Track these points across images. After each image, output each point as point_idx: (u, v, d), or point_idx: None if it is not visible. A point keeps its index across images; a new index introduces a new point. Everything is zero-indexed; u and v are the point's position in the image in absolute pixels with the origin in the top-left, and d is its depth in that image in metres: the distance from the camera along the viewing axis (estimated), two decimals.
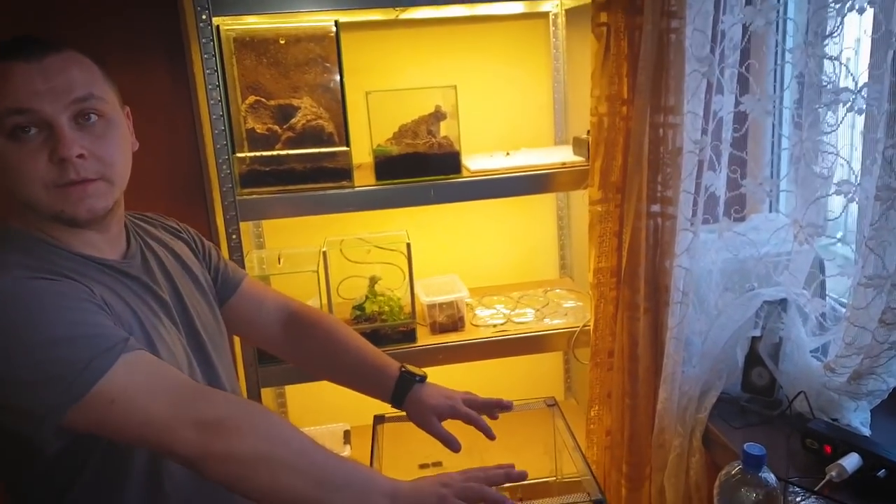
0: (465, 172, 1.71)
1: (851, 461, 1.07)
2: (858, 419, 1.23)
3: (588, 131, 1.63)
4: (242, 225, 1.59)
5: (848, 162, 1.19)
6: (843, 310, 1.25)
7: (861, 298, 1.11)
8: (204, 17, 1.45)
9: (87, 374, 0.83)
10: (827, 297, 1.37)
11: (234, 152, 1.57)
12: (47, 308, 0.85)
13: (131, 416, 0.85)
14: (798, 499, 1.07)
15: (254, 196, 1.60)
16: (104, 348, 0.85)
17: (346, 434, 1.98)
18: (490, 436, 1.25)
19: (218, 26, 1.50)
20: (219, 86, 1.50)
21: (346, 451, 1.89)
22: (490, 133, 2.07)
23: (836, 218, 1.25)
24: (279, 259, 1.88)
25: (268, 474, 0.86)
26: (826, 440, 1.14)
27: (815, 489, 1.07)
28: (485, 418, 1.27)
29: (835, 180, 1.20)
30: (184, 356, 1.03)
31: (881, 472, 1.05)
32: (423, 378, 1.26)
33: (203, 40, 1.47)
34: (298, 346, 1.30)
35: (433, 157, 1.68)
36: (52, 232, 0.95)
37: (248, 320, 1.28)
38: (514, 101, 2.10)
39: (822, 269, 1.36)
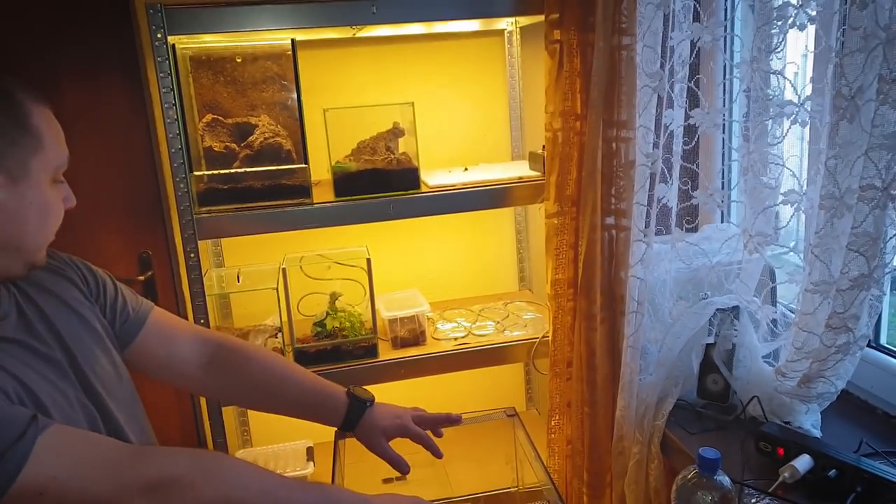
0: (423, 188, 1.73)
1: (803, 462, 1.11)
2: (809, 421, 1.26)
3: (543, 146, 1.66)
4: (201, 243, 1.58)
5: (794, 173, 1.24)
6: (793, 315, 1.29)
7: (809, 304, 1.15)
8: (159, 35, 1.44)
9: (1, 471, 0.73)
10: (778, 304, 1.42)
11: (191, 171, 1.55)
12: None
13: (68, 502, 0.76)
14: (753, 500, 1.10)
15: (212, 214, 1.59)
16: (14, 436, 0.75)
17: (309, 451, 1.96)
18: (437, 455, 1.24)
19: (174, 45, 1.49)
20: (175, 104, 1.49)
21: (310, 468, 1.88)
22: (448, 149, 2.09)
23: (785, 227, 1.29)
24: (238, 277, 1.87)
25: None
26: (779, 443, 1.17)
27: (769, 490, 1.10)
28: (442, 431, 1.27)
29: (782, 190, 1.24)
30: (82, 417, 0.94)
31: (832, 472, 1.08)
32: (372, 401, 1.23)
33: (158, 59, 1.46)
34: (227, 381, 1.19)
35: (392, 173, 1.69)
36: None
37: (159, 360, 1.14)
38: (471, 118, 2.13)
39: (772, 277, 1.40)
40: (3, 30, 1.74)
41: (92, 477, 0.78)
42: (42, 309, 0.95)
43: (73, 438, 0.82)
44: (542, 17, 1.58)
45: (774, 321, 1.34)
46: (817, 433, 1.24)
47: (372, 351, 1.78)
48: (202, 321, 1.60)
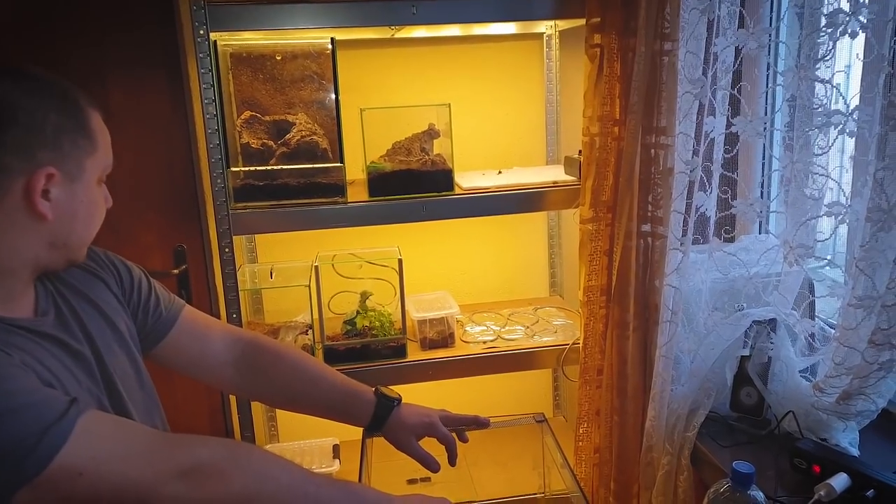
0: (457, 190, 1.73)
1: (840, 481, 1.08)
2: (847, 439, 1.23)
3: (580, 151, 1.65)
4: (235, 239, 1.59)
5: (838, 184, 1.21)
6: (833, 330, 1.26)
7: (851, 319, 1.12)
8: (202, 32, 1.46)
9: (43, 447, 0.74)
10: (817, 318, 1.39)
11: (228, 166, 1.57)
12: None
13: (104, 484, 0.77)
14: None
15: (247, 210, 1.60)
16: (56, 415, 0.76)
17: (336, 448, 1.97)
18: (451, 463, 1.24)
19: (215, 41, 1.51)
20: (215, 100, 1.51)
21: (335, 466, 1.88)
22: (483, 151, 2.08)
23: (826, 240, 1.26)
24: (271, 273, 1.88)
25: None
26: (815, 460, 1.14)
27: None
28: (467, 436, 1.28)
29: (825, 202, 1.22)
30: None
31: (870, 493, 1.05)
32: (399, 400, 1.24)
33: (200, 55, 1.48)
34: (258, 381, 1.20)
35: (426, 175, 1.69)
36: None
37: (190, 357, 1.16)
38: (506, 121, 2.12)
39: (811, 290, 1.37)
40: (51, 29, 1.78)
41: (128, 460, 0.79)
42: (75, 309, 0.98)
43: (110, 423, 0.84)
44: (582, 21, 1.56)
45: (813, 335, 1.31)
46: (855, 451, 1.21)
47: (400, 351, 1.78)
48: (234, 316, 1.62)
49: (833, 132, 1.17)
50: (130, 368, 1.03)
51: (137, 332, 1.08)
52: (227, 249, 1.58)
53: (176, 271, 1.95)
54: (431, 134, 1.77)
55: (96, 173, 0.93)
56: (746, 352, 1.36)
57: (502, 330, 1.92)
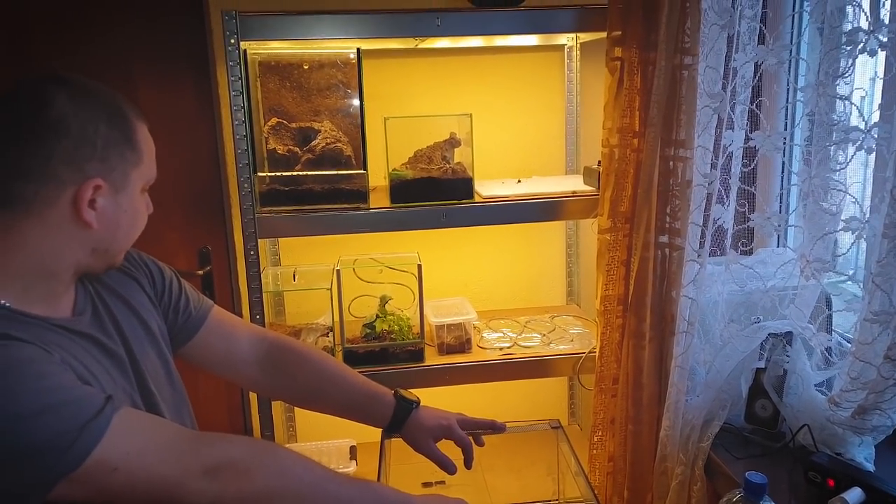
0: (477, 198, 1.75)
1: (854, 495, 1.08)
2: (862, 454, 1.24)
3: (599, 162, 1.67)
4: (259, 242, 1.63)
5: (856, 200, 1.22)
6: (849, 345, 1.27)
7: (867, 334, 1.13)
8: (233, 40, 1.50)
9: (81, 443, 0.77)
10: (833, 332, 1.39)
11: (255, 171, 1.61)
12: (19, 376, 0.77)
13: (136, 479, 0.80)
14: None
15: (272, 214, 1.64)
16: (93, 412, 0.79)
17: (353, 450, 2.00)
18: (467, 465, 1.26)
19: (245, 50, 1.54)
20: (243, 107, 1.55)
21: (352, 467, 1.91)
22: (502, 160, 2.11)
23: (845, 254, 1.27)
24: (294, 276, 1.92)
25: None
26: (829, 473, 1.15)
27: None
28: (483, 440, 1.30)
29: (843, 217, 1.23)
30: None
31: None
32: (418, 403, 1.27)
33: (230, 63, 1.52)
34: (281, 380, 1.24)
35: (446, 182, 1.72)
36: None
37: (218, 356, 1.19)
38: (527, 130, 2.14)
39: (828, 304, 1.37)
40: (86, 35, 1.84)
41: (160, 457, 0.82)
42: (111, 309, 1.01)
43: (143, 420, 0.87)
44: (603, 34, 1.58)
45: (829, 349, 1.32)
46: (870, 466, 1.21)
47: (418, 355, 1.80)
48: (258, 317, 1.66)
49: (851, 148, 1.18)
50: (161, 367, 1.06)
51: (168, 331, 1.11)
52: (252, 252, 1.61)
53: (200, 272, 2.00)
54: (452, 143, 1.79)
55: (140, 183, 0.96)
56: (762, 364, 1.37)
57: (519, 337, 1.94)
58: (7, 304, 0.85)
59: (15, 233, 0.86)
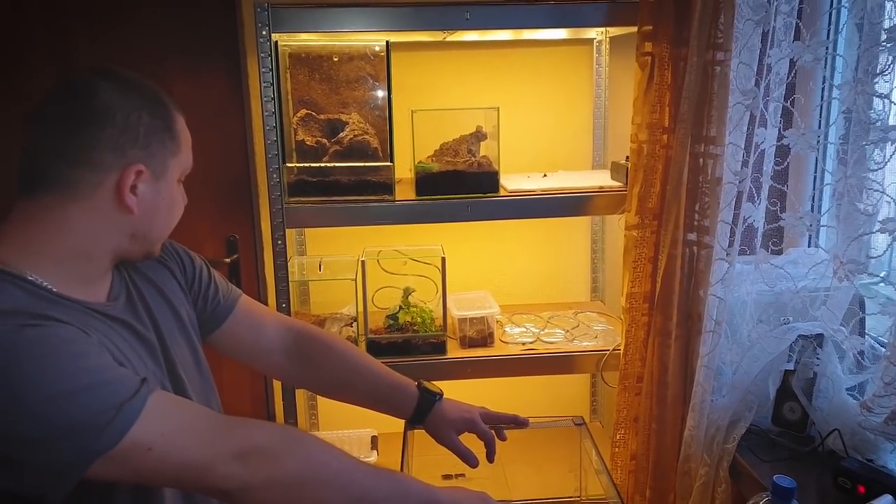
0: (502, 192, 1.74)
1: (885, 502, 1.07)
2: (895, 461, 1.22)
3: (627, 157, 1.65)
4: (287, 231, 1.64)
5: (893, 200, 1.19)
6: (883, 349, 1.24)
7: None
8: (264, 32, 1.51)
9: (118, 422, 0.78)
10: (866, 336, 1.36)
11: (283, 162, 1.62)
12: (59, 356, 0.79)
13: (169, 460, 0.81)
14: None
15: (300, 205, 1.65)
16: (129, 392, 0.80)
17: (374, 440, 2.01)
18: (490, 459, 1.26)
19: (276, 42, 1.55)
20: (274, 98, 1.56)
21: (373, 457, 1.92)
22: (529, 154, 2.10)
23: (880, 256, 1.24)
24: (320, 266, 1.93)
25: (310, 496, 0.88)
26: (860, 480, 1.13)
27: None
28: (506, 434, 1.29)
29: (879, 218, 1.20)
30: None
31: None
32: (441, 395, 1.27)
33: (262, 55, 1.53)
34: (308, 369, 1.25)
35: (472, 176, 1.72)
36: (38, 270, 0.87)
37: (245, 344, 1.21)
38: (554, 124, 2.13)
39: (861, 307, 1.35)
40: (123, 30, 1.87)
41: (193, 439, 0.83)
42: (144, 295, 1.03)
43: (176, 403, 0.89)
44: (634, 29, 1.57)
45: (862, 353, 1.30)
46: None
47: (440, 348, 1.81)
48: (283, 306, 1.67)
49: (889, 147, 1.15)
50: (190, 354, 1.08)
51: (197, 318, 1.13)
52: (279, 242, 1.63)
53: (227, 260, 2.02)
54: (479, 136, 1.79)
55: (178, 172, 0.99)
56: (791, 366, 1.35)
57: (542, 332, 1.93)
58: (49, 286, 0.87)
59: (59, 216, 0.89)
